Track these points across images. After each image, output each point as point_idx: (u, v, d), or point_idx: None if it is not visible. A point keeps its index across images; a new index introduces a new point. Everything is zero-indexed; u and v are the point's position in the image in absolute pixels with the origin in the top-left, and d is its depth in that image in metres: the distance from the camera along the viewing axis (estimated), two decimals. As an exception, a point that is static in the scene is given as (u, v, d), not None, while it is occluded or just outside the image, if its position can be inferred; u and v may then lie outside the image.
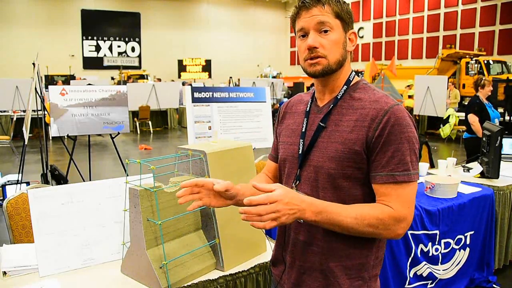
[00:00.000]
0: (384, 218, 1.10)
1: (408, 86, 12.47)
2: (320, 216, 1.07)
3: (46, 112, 5.71)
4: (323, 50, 1.18)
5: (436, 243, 2.82)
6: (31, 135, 9.60)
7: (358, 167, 1.16)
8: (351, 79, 1.25)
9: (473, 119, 4.82)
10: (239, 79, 16.91)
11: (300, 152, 1.26)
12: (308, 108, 1.30)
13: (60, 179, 5.02)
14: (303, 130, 1.27)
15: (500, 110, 8.87)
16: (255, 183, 1.04)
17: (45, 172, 5.08)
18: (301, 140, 1.26)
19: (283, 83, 16.70)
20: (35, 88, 4.73)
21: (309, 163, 1.23)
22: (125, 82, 17.43)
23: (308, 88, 13.34)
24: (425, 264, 2.79)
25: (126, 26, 24.24)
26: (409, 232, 2.66)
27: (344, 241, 1.19)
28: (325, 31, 1.18)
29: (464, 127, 6.67)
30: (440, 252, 2.87)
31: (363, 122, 1.16)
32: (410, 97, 11.89)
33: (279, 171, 1.39)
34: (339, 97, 1.23)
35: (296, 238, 1.27)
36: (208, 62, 25.28)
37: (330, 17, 1.17)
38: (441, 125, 9.67)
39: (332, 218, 1.08)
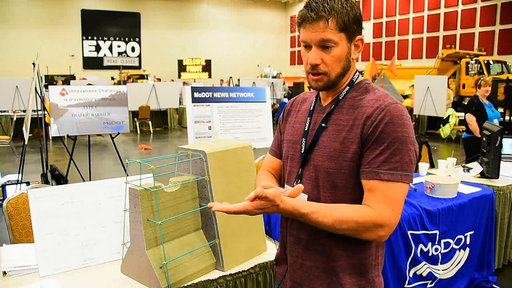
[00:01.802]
0: (363, 222, 1.10)
1: (412, 86, 12.46)
2: (301, 219, 1.10)
3: (46, 112, 5.72)
4: (324, 67, 1.18)
5: (436, 243, 2.82)
6: (31, 135, 9.61)
7: (356, 165, 1.17)
8: (354, 80, 1.26)
9: (470, 118, 4.83)
10: (239, 79, 16.91)
11: (302, 151, 1.27)
12: (312, 107, 1.31)
13: (60, 179, 5.02)
14: (306, 129, 1.28)
15: (500, 110, 8.85)
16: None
17: (45, 172, 5.08)
18: (303, 139, 1.27)
19: (283, 83, 16.72)
20: (35, 88, 4.73)
21: (310, 162, 1.24)
22: (125, 82, 17.43)
23: (309, 88, 13.30)
24: (425, 264, 2.79)
25: (126, 26, 24.23)
26: (409, 232, 2.67)
27: (346, 241, 1.19)
28: (328, 47, 1.16)
29: (464, 127, 6.68)
30: (440, 252, 2.87)
31: (360, 121, 1.16)
32: (406, 97, 11.85)
33: (282, 169, 1.39)
34: (340, 97, 1.24)
35: (298, 237, 1.28)
36: (208, 62, 25.27)
37: (333, 33, 1.14)
38: (441, 125, 9.67)
39: (310, 220, 1.09)
